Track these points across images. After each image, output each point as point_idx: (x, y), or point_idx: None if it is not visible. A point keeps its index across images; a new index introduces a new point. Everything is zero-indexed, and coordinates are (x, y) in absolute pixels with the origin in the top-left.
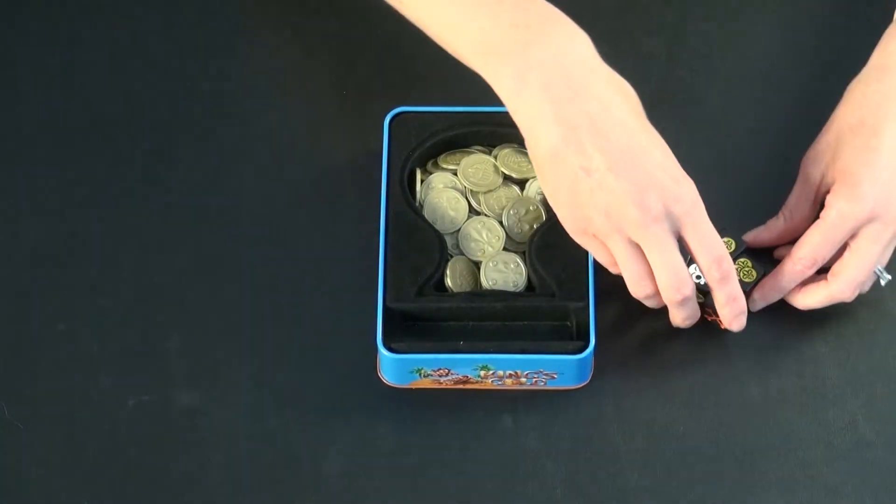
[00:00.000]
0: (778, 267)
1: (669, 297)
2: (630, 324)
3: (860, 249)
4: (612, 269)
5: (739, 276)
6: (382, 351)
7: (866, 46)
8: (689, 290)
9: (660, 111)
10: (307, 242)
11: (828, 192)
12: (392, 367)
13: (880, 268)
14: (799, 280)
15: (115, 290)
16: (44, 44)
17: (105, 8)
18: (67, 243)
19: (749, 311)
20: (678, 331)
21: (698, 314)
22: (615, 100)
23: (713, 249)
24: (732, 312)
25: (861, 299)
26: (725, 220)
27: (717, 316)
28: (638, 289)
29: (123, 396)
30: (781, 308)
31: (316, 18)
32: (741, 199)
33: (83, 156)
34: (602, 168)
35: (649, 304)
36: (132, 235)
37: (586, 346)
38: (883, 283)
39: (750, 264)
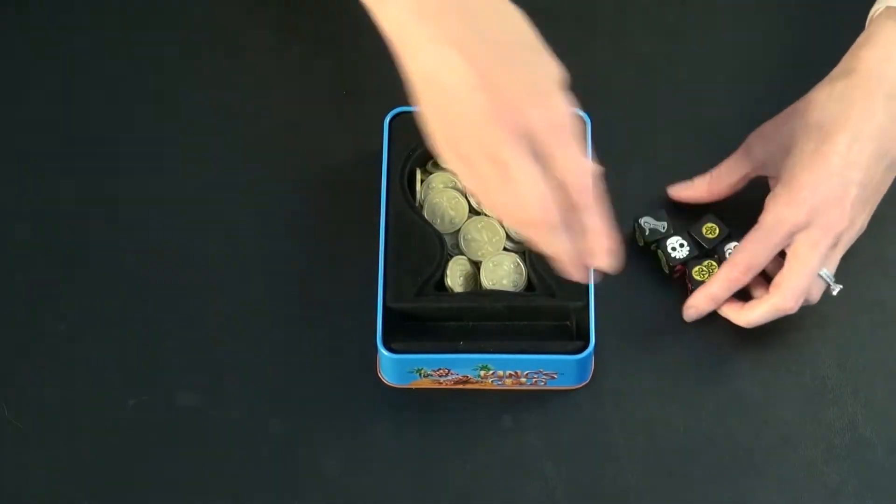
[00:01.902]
0: (713, 275)
1: (519, 219)
2: (630, 324)
3: (798, 257)
4: (482, 198)
5: (700, 276)
6: (382, 351)
7: None
8: (538, 214)
9: (660, 111)
10: (307, 242)
11: (764, 174)
12: (392, 367)
13: (828, 273)
14: (733, 288)
15: (115, 291)
16: (44, 42)
17: (105, 8)
18: (68, 243)
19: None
20: (678, 331)
21: (567, 252)
22: (490, 17)
23: (571, 174)
24: (593, 244)
25: (861, 299)
26: (724, 217)
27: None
28: (506, 213)
29: (123, 396)
30: None
31: (316, 19)
32: (740, 198)
33: (83, 156)
34: (468, 85)
35: (545, 249)
36: (132, 235)
37: (586, 346)
38: (834, 292)
39: (716, 266)
